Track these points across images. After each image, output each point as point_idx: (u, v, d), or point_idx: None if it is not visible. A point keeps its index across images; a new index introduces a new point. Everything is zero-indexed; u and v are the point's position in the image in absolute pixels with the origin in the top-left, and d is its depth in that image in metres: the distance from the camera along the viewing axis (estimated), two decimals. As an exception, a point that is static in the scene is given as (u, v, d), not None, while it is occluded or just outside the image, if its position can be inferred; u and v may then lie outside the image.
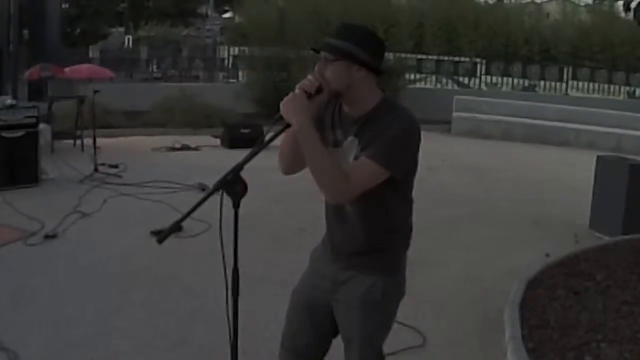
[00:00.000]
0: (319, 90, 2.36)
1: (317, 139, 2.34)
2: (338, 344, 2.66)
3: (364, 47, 2.40)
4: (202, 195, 2.23)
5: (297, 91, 2.35)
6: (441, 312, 4.81)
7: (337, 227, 2.58)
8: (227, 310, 2.28)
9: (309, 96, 2.34)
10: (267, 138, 2.34)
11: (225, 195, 2.21)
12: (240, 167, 2.24)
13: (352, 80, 2.39)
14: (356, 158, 2.42)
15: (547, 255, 5.83)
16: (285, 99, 2.33)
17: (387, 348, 2.68)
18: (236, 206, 2.22)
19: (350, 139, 2.47)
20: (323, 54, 2.41)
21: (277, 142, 2.38)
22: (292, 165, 2.57)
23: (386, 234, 2.53)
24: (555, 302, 4.62)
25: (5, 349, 3.90)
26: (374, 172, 2.34)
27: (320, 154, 2.33)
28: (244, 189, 2.22)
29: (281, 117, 2.33)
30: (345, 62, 2.38)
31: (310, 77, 2.38)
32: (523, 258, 5.89)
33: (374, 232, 2.51)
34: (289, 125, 2.35)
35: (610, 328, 4.13)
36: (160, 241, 2.28)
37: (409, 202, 2.58)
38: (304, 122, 2.31)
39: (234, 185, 2.21)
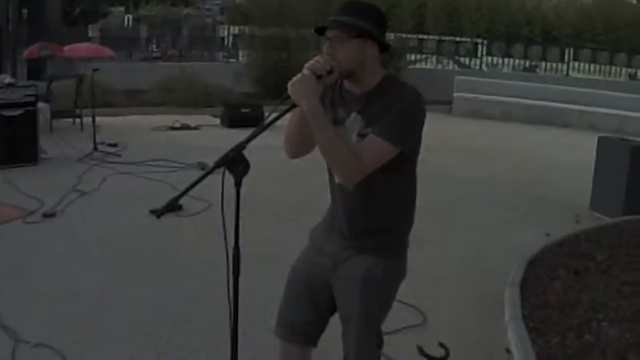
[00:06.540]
0: (330, 72, 2.31)
1: (327, 120, 2.31)
2: (335, 324, 2.65)
3: (374, 22, 2.37)
4: (201, 174, 2.20)
5: (305, 72, 2.29)
6: (441, 291, 4.81)
7: (341, 206, 2.55)
8: (228, 289, 2.25)
9: (318, 77, 2.28)
10: (272, 117, 2.30)
11: (226, 173, 2.18)
12: (242, 145, 2.21)
13: (365, 57, 2.36)
14: (359, 134, 2.39)
15: (547, 235, 5.82)
16: (294, 79, 2.28)
17: (386, 326, 2.68)
18: (238, 184, 2.19)
19: (353, 115, 2.43)
20: (333, 33, 2.35)
21: (279, 121, 2.34)
22: (300, 148, 2.54)
23: (389, 214, 2.51)
24: (555, 282, 4.61)
25: (5, 327, 3.90)
26: (385, 149, 2.32)
27: (331, 135, 2.30)
28: (246, 167, 2.19)
29: (287, 97, 2.28)
30: (360, 39, 2.34)
31: (319, 58, 2.32)
32: (523, 238, 5.88)
33: (378, 212, 2.49)
34: (294, 105, 2.31)
35: (611, 307, 4.13)
36: (159, 215, 2.27)
37: (412, 183, 2.55)
38: (314, 104, 2.27)
39: (236, 163, 2.18)
